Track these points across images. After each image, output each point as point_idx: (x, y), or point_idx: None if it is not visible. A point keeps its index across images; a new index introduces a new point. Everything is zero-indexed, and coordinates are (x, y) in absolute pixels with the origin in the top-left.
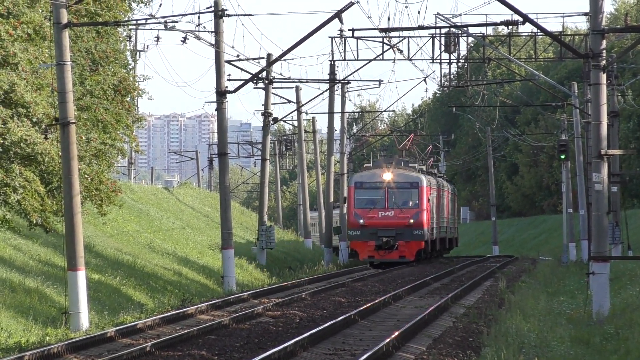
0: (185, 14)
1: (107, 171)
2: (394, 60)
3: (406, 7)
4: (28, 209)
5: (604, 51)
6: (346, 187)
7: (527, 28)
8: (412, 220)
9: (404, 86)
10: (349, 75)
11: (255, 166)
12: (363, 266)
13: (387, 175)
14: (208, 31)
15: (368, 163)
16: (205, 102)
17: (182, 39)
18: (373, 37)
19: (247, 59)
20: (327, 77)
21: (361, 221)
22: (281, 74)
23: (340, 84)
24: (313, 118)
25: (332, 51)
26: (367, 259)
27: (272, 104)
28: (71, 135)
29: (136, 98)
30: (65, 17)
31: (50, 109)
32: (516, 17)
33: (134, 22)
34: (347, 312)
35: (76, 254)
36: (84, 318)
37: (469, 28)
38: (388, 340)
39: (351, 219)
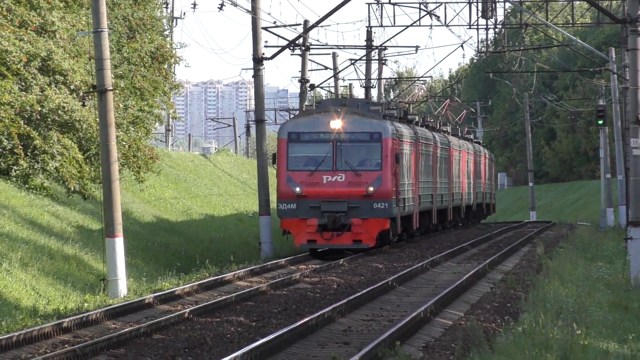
0: None
1: (145, 138)
2: (431, 26)
3: None
4: (66, 175)
5: None
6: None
7: None
8: (371, 188)
9: (441, 52)
10: (385, 42)
11: None
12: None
13: (336, 123)
14: None
15: (310, 105)
16: (242, 69)
17: (219, 6)
18: (410, 3)
19: (284, 26)
20: (364, 43)
21: (297, 189)
22: (318, 41)
23: (377, 51)
24: (350, 84)
25: (369, 17)
26: (305, 245)
27: (308, 70)
28: (109, 102)
29: (173, 65)
30: None
31: (88, 77)
32: None
33: None
34: (384, 278)
35: (114, 220)
36: (122, 285)
37: None
38: (426, 306)
39: (282, 187)
